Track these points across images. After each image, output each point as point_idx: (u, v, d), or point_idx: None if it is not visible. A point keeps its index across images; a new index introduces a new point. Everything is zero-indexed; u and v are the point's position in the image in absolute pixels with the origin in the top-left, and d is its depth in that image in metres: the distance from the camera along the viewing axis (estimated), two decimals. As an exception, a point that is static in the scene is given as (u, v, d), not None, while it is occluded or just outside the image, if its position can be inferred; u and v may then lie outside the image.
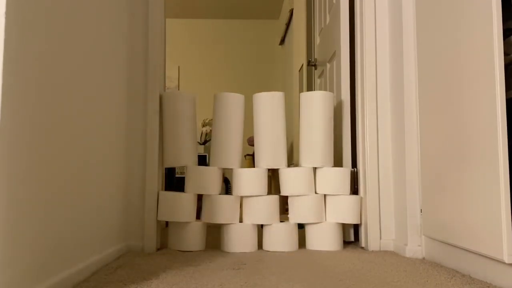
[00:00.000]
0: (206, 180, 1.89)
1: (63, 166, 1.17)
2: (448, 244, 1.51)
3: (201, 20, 6.22)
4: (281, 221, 1.92)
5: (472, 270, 1.37)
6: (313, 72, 3.20)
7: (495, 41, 1.20)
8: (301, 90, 3.95)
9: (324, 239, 1.89)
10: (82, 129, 1.31)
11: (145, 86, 1.92)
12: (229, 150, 1.94)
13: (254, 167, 1.98)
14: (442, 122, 1.53)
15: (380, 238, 1.89)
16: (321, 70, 2.83)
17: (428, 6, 1.66)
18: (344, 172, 1.93)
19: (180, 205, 1.85)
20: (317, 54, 2.97)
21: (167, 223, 2.51)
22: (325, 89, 2.67)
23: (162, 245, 1.97)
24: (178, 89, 6.05)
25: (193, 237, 1.86)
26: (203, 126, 5.72)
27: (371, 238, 1.88)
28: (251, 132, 2.20)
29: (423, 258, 1.70)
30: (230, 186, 4.73)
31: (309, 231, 1.93)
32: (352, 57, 2.14)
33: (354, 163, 2.07)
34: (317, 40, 2.98)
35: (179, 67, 6.11)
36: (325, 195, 1.94)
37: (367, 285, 1.26)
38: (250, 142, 4.58)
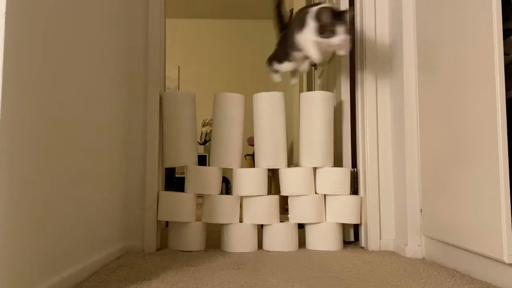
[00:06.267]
0: (206, 180, 1.89)
1: (63, 166, 1.17)
2: (448, 244, 1.51)
3: (201, 20, 6.22)
4: (281, 221, 1.92)
5: (472, 270, 1.37)
6: (313, 72, 3.20)
7: (495, 41, 1.20)
8: (301, 90, 3.95)
9: (324, 239, 1.89)
10: (82, 129, 1.31)
11: (145, 86, 1.92)
12: (229, 150, 1.94)
13: (254, 167, 1.98)
14: (442, 122, 1.53)
15: (380, 238, 1.89)
16: (321, 70, 2.83)
17: (428, 4, 1.66)
18: (344, 172, 1.93)
19: (180, 205, 1.85)
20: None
21: (167, 223, 2.51)
22: (325, 89, 2.66)
23: (162, 245, 1.97)
24: (178, 89, 6.04)
25: (193, 237, 1.86)
26: (203, 126, 5.72)
27: (371, 238, 1.88)
28: (251, 132, 2.20)
29: (423, 258, 1.70)
30: (230, 186, 4.72)
31: (309, 231, 1.93)
32: (352, 57, 2.14)
33: (354, 163, 2.07)
34: (317, 40, 2.97)
35: (179, 67, 6.11)
36: (325, 195, 1.94)
37: (367, 285, 1.26)
38: (250, 142, 4.58)
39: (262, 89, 2.25)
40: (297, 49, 1.81)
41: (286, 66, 1.97)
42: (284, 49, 1.93)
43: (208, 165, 2.00)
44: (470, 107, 1.34)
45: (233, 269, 1.47)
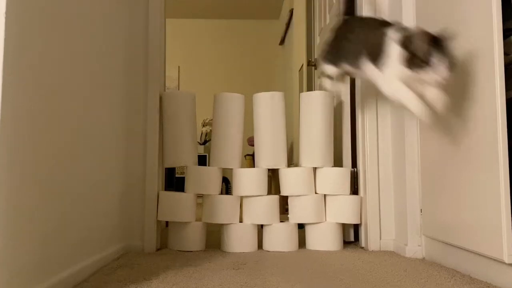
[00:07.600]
0: (206, 180, 1.89)
1: (63, 166, 1.17)
2: (448, 244, 1.51)
3: (201, 20, 6.22)
4: (281, 221, 1.91)
5: (472, 270, 1.37)
6: (313, 72, 3.20)
7: (495, 41, 1.20)
8: (301, 90, 3.95)
9: (324, 239, 1.89)
10: (82, 129, 1.31)
11: (145, 86, 1.92)
12: (229, 150, 1.94)
13: (254, 167, 1.98)
14: (442, 122, 1.53)
15: (380, 238, 1.89)
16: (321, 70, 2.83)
17: (427, 6, 1.66)
18: (344, 172, 1.93)
19: (180, 205, 1.85)
20: (317, 54, 2.97)
21: (167, 223, 2.51)
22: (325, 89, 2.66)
23: (162, 245, 1.97)
24: (178, 89, 6.04)
25: (193, 237, 1.86)
26: (203, 126, 5.72)
27: (371, 238, 1.88)
28: (251, 132, 2.20)
29: (423, 258, 1.70)
30: (230, 186, 4.72)
31: (309, 231, 1.93)
32: (352, 57, 2.13)
33: (354, 163, 2.07)
34: (317, 40, 2.98)
35: (179, 67, 6.11)
36: (325, 195, 1.94)
37: (367, 285, 1.26)
38: (250, 142, 4.58)
39: (262, 89, 2.25)
40: (355, 66, 1.51)
41: (329, 69, 1.71)
42: (335, 53, 1.64)
43: (208, 165, 2.00)
44: (470, 106, 1.34)
45: (233, 269, 1.47)
